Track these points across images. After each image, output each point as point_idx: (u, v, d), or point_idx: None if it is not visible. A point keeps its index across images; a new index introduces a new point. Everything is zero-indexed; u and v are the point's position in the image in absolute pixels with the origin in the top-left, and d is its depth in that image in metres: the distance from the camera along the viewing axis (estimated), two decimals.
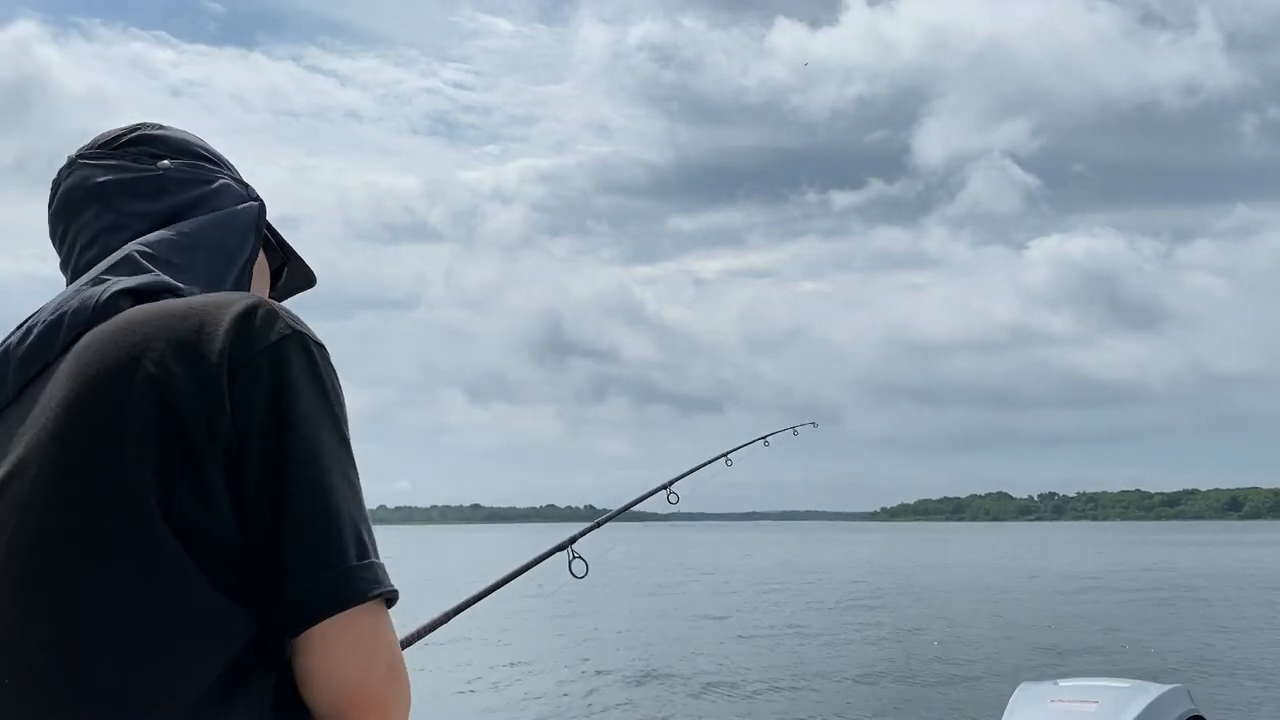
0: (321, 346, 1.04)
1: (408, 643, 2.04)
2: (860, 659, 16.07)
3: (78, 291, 1.07)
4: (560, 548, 2.87)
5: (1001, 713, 4.21)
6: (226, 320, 1.00)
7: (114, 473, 0.95)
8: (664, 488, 3.50)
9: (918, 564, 47.47)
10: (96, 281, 1.07)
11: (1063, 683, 4.31)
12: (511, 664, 16.20)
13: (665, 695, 13.35)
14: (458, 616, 2.47)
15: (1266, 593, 27.95)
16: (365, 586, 0.97)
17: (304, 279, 1.39)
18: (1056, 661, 14.54)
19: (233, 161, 1.28)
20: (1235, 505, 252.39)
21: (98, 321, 1.03)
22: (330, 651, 0.96)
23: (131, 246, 1.10)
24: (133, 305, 1.05)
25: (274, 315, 1.02)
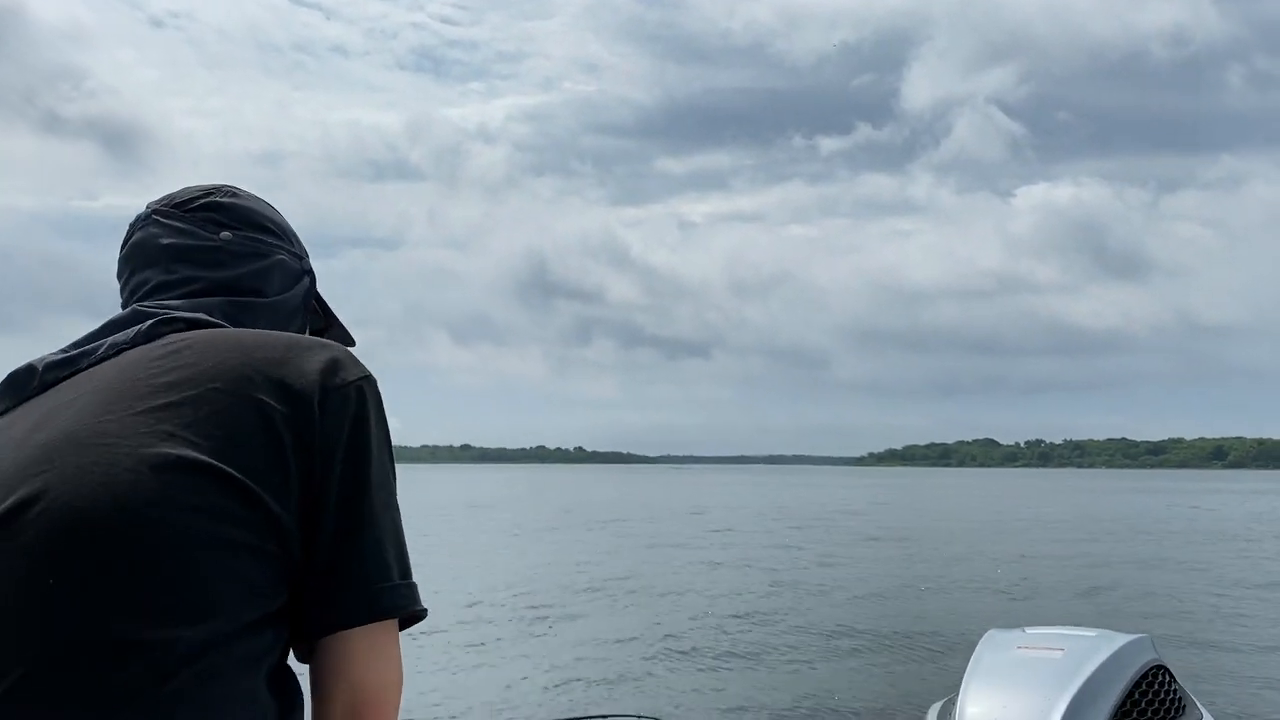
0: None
1: None
2: (831, 602, 15.92)
3: (121, 322, 1.17)
4: None
5: (969, 658, 4.14)
6: (316, 351, 1.13)
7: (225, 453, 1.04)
8: None
9: (898, 508, 47.71)
10: (143, 317, 1.17)
11: (1029, 630, 4.21)
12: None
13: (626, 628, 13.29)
14: None
15: (1238, 542, 28.20)
16: (407, 602, 1.11)
17: (343, 340, 1.41)
18: (1028, 609, 14.45)
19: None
20: (1219, 454, 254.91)
21: (139, 345, 1.13)
22: (360, 652, 1.08)
23: (184, 305, 1.20)
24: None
25: (355, 358, 1.16)
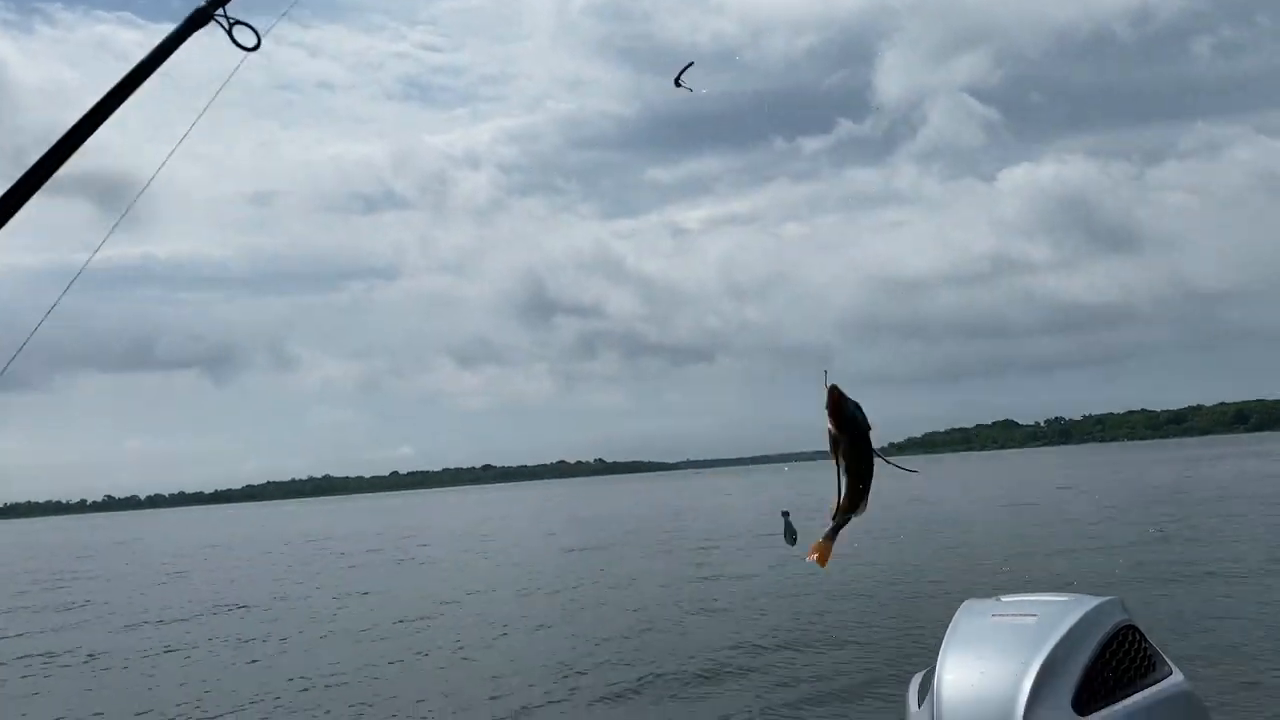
0: None
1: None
2: (824, 582, 15.89)
3: None
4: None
5: (946, 629, 4.11)
6: None
7: None
8: None
9: (907, 494, 47.40)
10: None
11: (1004, 598, 4.18)
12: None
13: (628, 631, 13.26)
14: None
15: (1244, 501, 27.99)
16: None
17: None
18: (1013, 579, 14.50)
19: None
20: (1242, 418, 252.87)
21: None
22: None
23: None
24: None
25: None
